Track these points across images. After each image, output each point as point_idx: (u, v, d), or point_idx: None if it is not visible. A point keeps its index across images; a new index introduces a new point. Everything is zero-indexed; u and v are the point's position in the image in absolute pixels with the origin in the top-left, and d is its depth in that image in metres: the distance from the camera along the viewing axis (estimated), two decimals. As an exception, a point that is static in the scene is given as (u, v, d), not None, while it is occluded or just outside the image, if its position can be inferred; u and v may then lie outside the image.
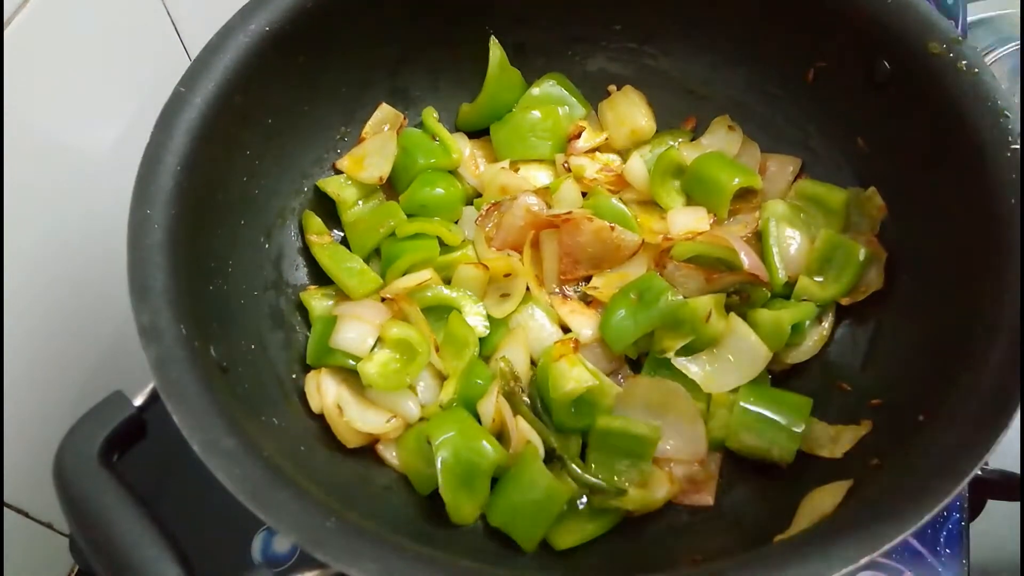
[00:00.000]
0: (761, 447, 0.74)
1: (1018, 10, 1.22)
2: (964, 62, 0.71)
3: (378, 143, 0.88)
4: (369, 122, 0.91)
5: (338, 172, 0.89)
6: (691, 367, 0.79)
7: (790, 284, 0.82)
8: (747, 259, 0.78)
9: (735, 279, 0.80)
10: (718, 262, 0.81)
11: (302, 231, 0.86)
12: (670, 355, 0.79)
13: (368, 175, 0.87)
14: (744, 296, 0.80)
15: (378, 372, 0.76)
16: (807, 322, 0.80)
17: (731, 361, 0.79)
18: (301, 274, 0.86)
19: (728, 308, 0.81)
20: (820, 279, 0.82)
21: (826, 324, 0.82)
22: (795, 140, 0.90)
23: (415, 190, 0.87)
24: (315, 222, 0.86)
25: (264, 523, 0.54)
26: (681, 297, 0.78)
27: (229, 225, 0.76)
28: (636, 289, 0.80)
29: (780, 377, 0.82)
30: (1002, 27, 1.21)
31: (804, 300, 0.81)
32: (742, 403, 0.75)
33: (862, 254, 0.80)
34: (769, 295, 0.81)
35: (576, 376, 0.74)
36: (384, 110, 0.91)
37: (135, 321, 0.60)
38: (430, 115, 0.93)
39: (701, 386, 0.78)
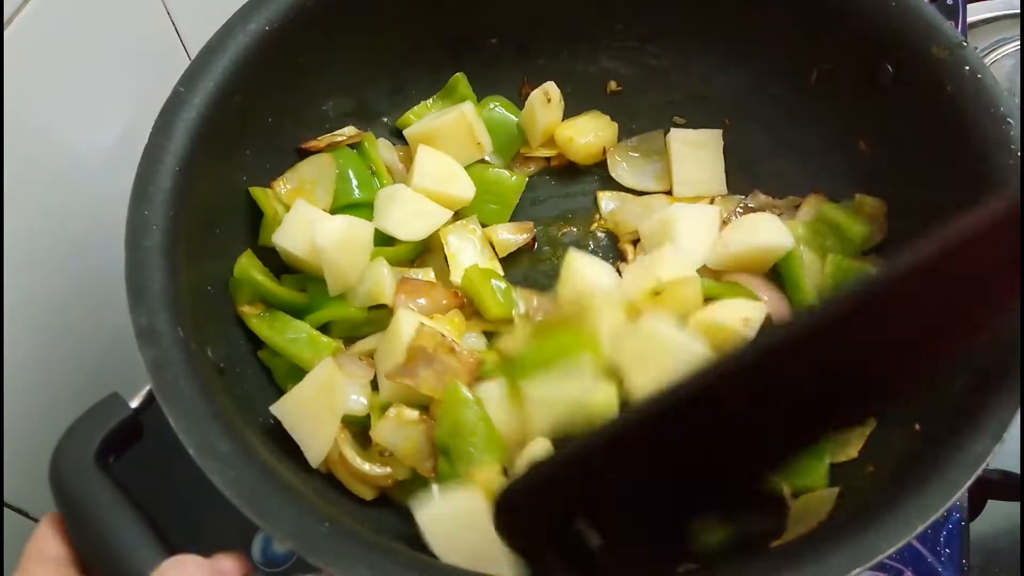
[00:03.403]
0: None
1: (1018, 10, 1.21)
2: (967, 67, 0.70)
3: (313, 171, 0.81)
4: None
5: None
6: None
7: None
8: (770, 305, 0.77)
9: None
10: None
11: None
12: None
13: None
14: None
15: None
16: None
17: None
18: (300, 274, 0.85)
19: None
20: None
21: None
22: (796, 141, 0.89)
23: None
24: (247, 291, 0.74)
25: (261, 526, 0.54)
26: None
27: (228, 226, 0.76)
28: None
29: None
30: (1002, 28, 1.21)
31: None
32: None
33: None
34: None
35: None
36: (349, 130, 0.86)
37: (132, 323, 0.60)
38: (371, 142, 0.85)
39: None
